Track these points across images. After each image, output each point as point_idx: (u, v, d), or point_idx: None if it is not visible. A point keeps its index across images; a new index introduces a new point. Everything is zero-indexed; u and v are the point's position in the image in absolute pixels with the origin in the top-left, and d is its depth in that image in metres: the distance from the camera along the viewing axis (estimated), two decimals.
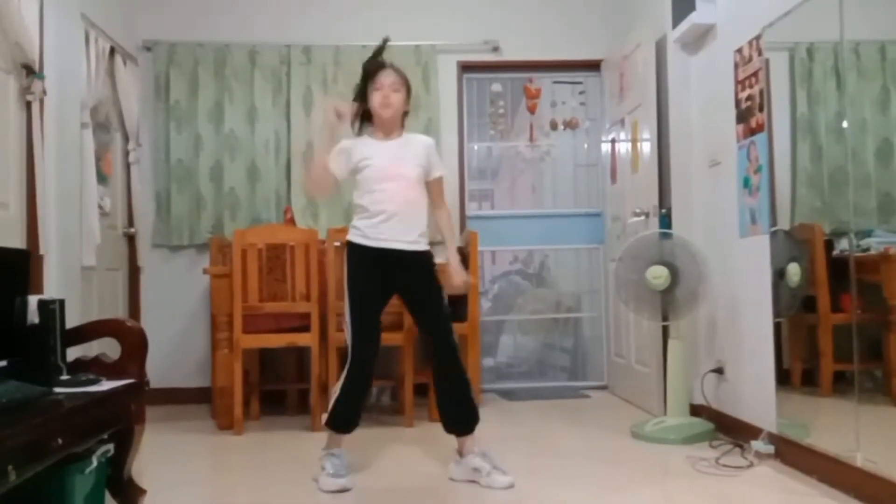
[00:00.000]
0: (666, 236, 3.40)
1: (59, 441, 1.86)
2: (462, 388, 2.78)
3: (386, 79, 2.75)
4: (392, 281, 2.77)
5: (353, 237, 2.76)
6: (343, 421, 2.75)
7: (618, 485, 2.68)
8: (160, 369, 4.32)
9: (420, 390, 3.85)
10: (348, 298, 2.74)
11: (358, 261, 2.75)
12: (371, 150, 2.75)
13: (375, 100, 2.75)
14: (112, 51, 4.07)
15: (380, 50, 2.83)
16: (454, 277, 2.83)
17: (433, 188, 2.84)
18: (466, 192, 4.78)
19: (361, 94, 2.81)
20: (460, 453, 2.77)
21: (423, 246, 2.77)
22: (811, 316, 2.83)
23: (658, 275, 3.26)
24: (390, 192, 2.70)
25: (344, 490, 2.60)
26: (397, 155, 2.75)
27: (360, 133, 2.85)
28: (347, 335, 2.74)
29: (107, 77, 4.02)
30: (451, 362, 2.76)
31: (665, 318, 3.40)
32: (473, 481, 2.70)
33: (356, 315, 2.73)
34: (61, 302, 2.33)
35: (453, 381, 2.77)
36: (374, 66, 2.79)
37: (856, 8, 2.46)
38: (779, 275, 2.91)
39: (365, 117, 2.84)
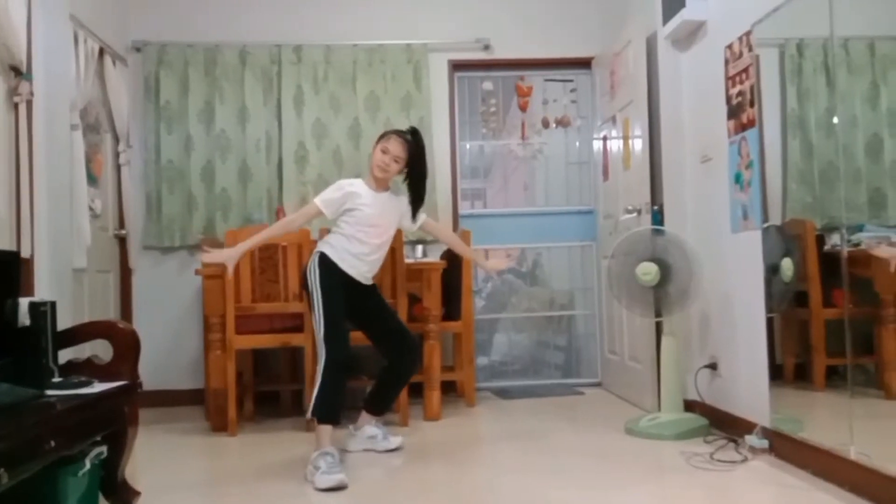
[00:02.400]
0: (657, 233, 3.41)
1: (52, 443, 1.85)
2: (402, 387, 3.34)
3: (394, 147, 3.03)
4: (350, 302, 3.03)
5: (327, 250, 3.02)
6: (327, 410, 2.83)
7: (613, 481, 2.68)
8: (153, 371, 4.30)
9: (414, 389, 3.85)
10: (322, 306, 2.93)
11: (330, 274, 2.98)
12: (366, 198, 3.03)
13: (376, 159, 3.04)
14: (101, 52, 4.05)
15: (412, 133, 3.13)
16: (499, 265, 3.55)
17: (427, 227, 3.26)
18: (459, 191, 4.78)
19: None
20: (357, 427, 3.22)
21: (372, 282, 3.19)
22: (803, 311, 2.84)
23: (647, 271, 3.27)
24: (370, 238, 3.03)
25: (341, 486, 2.60)
26: (383, 208, 3.07)
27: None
28: (319, 334, 2.91)
29: (96, 78, 4.00)
30: (413, 365, 3.22)
31: (658, 315, 3.41)
32: (369, 449, 3.16)
33: (330, 322, 2.91)
34: (52, 304, 2.31)
35: (404, 380, 3.26)
36: (393, 131, 3.12)
37: (845, 3, 2.47)
38: (771, 270, 2.92)
39: None
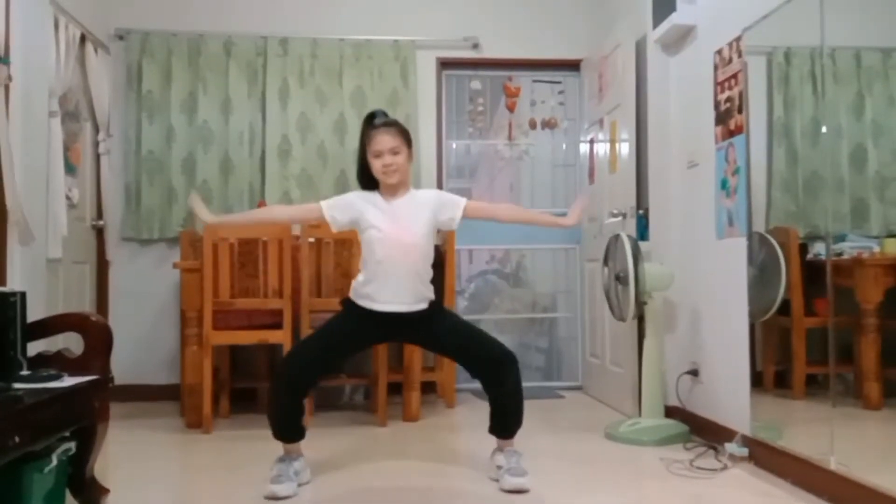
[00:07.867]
0: (616, 238, 3.44)
1: (16, 439, 1.79)
2: (510, 409, 2.73)
3: (384, 143, 2.58)
4: (391, 336, 2.85)
5: (352, 295, 2.68)
6: (280, 431, 2.70)
7: (591, 486, 2.66)
8: (128, 365, 4.24)
9: (394, 389, 3.81)
10: (321, 326, 2.73)
11: (349, 313, 2.68)
12: (376, 212, 2.61)
13: (376, 168, 2.59)
14: (83, 38, 3.97)
15: (371, 116, 2.69)
16: (577, 216, 2.64)
17: (476, 215, 2.70)
18: (444, 190, 4.74)
19: (361, 157, 2.66)
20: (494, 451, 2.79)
21: (423, 305, 2.65)
22: (784, 319, 2.84)
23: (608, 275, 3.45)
24: (394, 257, 2.58)
25: (275, 497, 2.48)
26: (403, 215, 2.60)
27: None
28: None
29: (77, 65, 3.92)
30: (494, 377, 2.70)
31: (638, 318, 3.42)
32: (496, 479, 2.67)
33: (312, 342, 2.72)
34: (22, 294, 2.25)
35: (495, 393, 2.72)
36: (367, 129, 2.64)
37: (832, 13, 2.47)
38: (756, 278, 2.91)
39: (366, 175, 2.67)
